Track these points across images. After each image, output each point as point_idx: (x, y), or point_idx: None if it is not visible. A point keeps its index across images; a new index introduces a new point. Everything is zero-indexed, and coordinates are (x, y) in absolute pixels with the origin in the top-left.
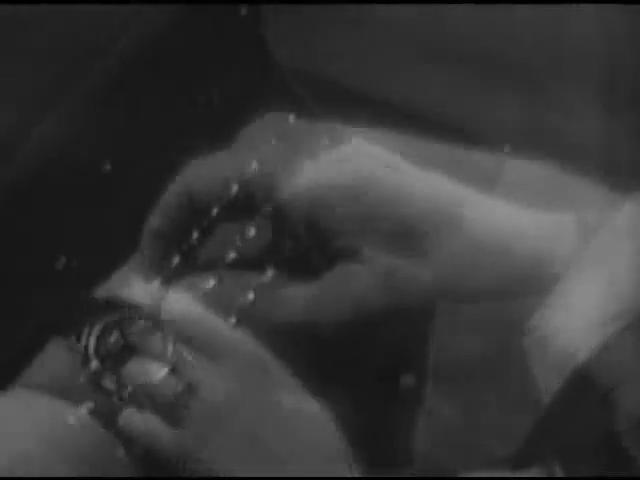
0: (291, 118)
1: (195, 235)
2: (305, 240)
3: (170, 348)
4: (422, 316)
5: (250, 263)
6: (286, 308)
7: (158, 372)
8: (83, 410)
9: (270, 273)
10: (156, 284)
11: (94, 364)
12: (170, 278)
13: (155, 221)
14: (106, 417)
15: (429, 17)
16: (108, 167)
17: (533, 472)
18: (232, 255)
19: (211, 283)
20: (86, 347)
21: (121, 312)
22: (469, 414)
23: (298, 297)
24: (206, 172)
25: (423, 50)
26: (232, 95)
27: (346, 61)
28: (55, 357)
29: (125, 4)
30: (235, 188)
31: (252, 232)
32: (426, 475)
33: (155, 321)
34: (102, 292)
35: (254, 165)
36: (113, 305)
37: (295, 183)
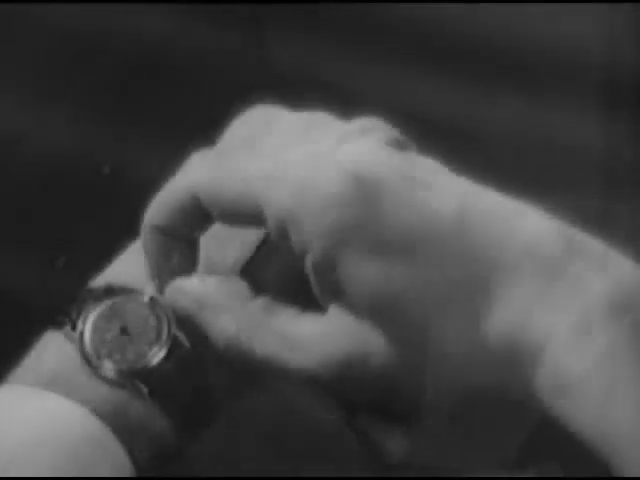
0: (286, 114)
1: (196, 234)
2: (306, 270)
3: (165, 332)
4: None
5: (248, 274)
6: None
7: (155, 356)
8: (82, 405)
9: (266, 292)
10: (153, 274)
11: (90, 352)
12: (169, 273)
13: (156, 215)
14: (107, 412)
15: (429, 18)
16: (107, 169)
17: (532, 472)
18: (231, 260)
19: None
20: (82, 335)
21: (116, 298)
22: (468, 437)
23: (299, 333)
24: (211, 173)
25: (423, 51)
26: (229, 93)
27: (345, 62)
28: (51, 349)
29: (125, 3)
30: (246, 200)
31: (253, 240)
32: (426, 475)
33: (151, 306)
34: (97, 280)
35: (256, 172)
36: (108, 292)
37: (305, 202)
